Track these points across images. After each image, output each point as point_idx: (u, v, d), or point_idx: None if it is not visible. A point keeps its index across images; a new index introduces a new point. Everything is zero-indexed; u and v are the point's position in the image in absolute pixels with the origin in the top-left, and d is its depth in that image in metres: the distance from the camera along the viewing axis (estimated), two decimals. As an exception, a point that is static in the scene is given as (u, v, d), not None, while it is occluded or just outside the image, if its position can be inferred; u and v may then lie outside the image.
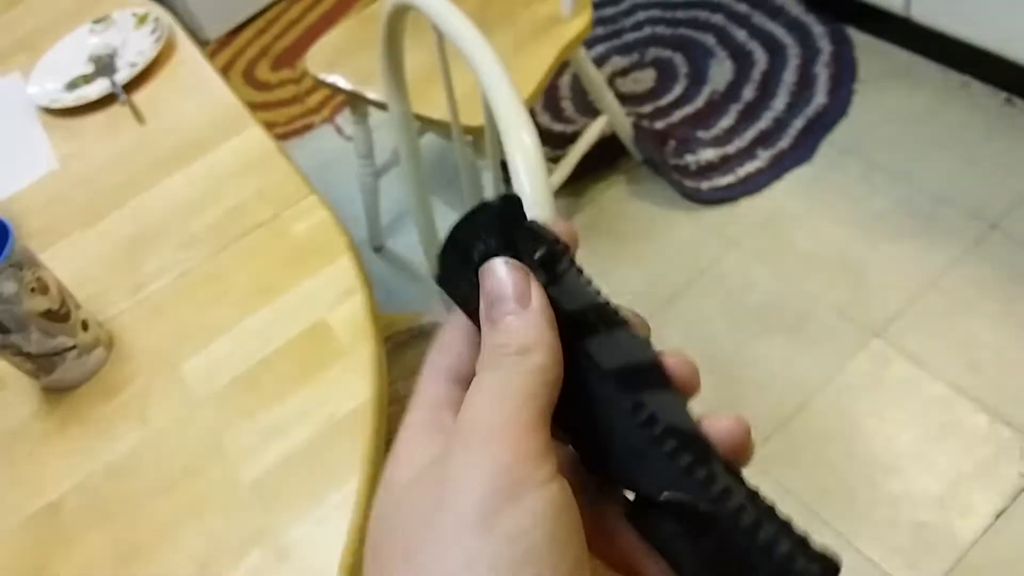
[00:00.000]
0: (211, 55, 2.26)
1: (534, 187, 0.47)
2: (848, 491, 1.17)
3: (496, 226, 0.22)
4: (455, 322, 0.23)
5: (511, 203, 0.22)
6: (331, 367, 0.62)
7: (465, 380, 0.21)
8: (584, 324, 0.21)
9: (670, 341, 1.38)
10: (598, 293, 0.22)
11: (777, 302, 1.39)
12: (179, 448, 0.59)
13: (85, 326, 0.64)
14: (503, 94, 0.51)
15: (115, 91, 0.93)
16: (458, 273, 0.22)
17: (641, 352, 0.22)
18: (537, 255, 0.22)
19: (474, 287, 0.22)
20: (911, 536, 1.11)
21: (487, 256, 0.21)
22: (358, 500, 0.52)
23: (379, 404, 0.59)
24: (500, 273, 0.21)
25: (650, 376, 0.21)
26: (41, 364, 0.61)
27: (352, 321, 0.64)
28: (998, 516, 1.10)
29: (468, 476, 0.19)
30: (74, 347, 0.62)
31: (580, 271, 0.22)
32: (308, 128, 2.00)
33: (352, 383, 0.60)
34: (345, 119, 1.97)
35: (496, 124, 0.51)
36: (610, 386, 0.20)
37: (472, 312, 0.22)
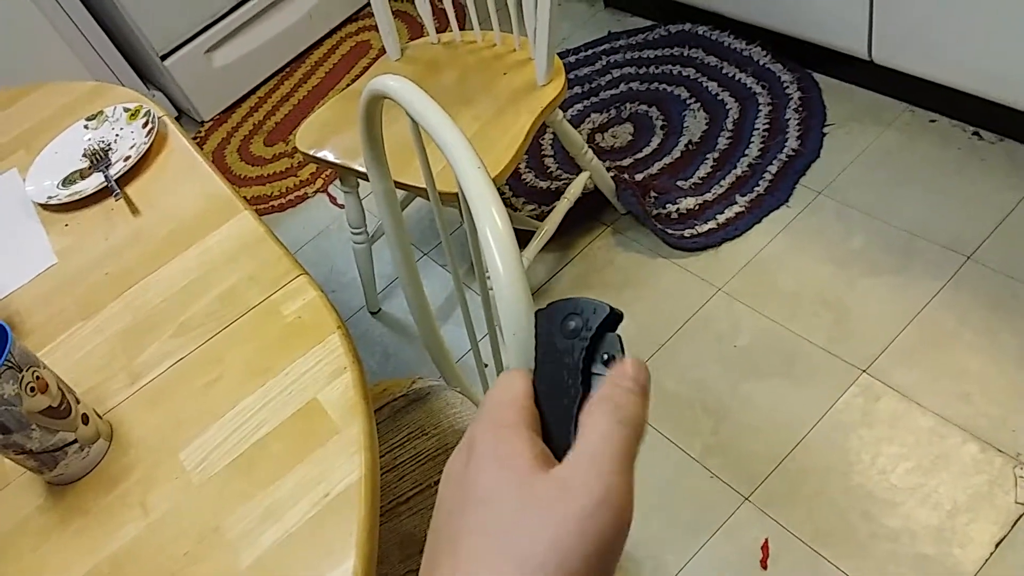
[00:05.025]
0: (207, 134, 2.33)
1: (507, 270, 0.50)
2: (848, 528, 1.17)
3: (602, 321, 0.32)
4: (529, 383, 0.33)
5: (616, 317, 0.32)
6: (324, 446, 0.64)
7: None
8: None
9: (664, 386, 1.40)
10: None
11: (765, 344, 1.41)
12: (179, 535, 0.61)
13: (85, 420, 0.66)
14: (474, 184, 0.54)
15: (110, 185, 0.97)
16: (554, 323, 0.33)
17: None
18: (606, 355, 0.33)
19: (552, 339, 0.33)
20: (913, 570, 1.12)
21: (581, 334, 0.32)
22: (353, 577, 0.54)
23: (372, 480, 0.61)
24: (642, 365, 0.32)
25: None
26: (44, 460, 0.64)
27: (344, 399, 0.67)
28: (997, 545, 1.11)
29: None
30: (75, 441, 0.65)
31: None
32: (303, 199, 2.05)
33: (345, 461, 0.62)
34: (338, 189, 2.03)
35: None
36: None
37: (542, 351, 0.33)
